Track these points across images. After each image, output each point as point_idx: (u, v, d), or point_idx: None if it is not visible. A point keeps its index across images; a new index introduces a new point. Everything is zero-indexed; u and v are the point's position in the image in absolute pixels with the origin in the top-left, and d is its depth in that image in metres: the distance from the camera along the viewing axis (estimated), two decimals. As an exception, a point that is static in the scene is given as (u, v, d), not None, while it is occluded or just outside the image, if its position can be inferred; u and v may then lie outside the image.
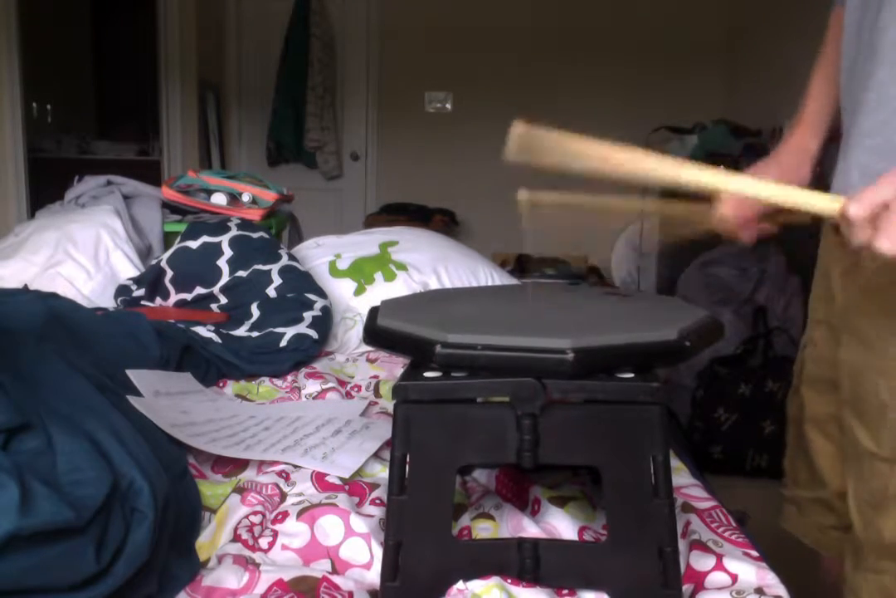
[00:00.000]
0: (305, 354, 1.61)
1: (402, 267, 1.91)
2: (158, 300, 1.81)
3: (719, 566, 0.83)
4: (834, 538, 1.08)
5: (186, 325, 1.57)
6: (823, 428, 1.05)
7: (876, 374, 0.90)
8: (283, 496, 0.98)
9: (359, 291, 1.86)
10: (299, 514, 0.90)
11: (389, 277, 1.88)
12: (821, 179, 1.12)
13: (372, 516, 0.92)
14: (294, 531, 0.89)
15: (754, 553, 0.87)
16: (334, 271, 1.92)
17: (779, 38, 3.77)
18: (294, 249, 2.05)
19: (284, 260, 1.80)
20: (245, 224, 1.89)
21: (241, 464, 1.08)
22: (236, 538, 0.89)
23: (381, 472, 1.07)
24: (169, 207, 2.27)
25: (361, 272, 1.90)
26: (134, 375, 1.25)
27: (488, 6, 4.52)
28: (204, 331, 1.56)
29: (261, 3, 4.63)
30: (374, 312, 0.90)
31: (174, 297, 1.79)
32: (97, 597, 0.71)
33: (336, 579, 0.80)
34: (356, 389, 1.48)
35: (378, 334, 0.84)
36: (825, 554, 1.11)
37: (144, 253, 2.09)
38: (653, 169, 0.77)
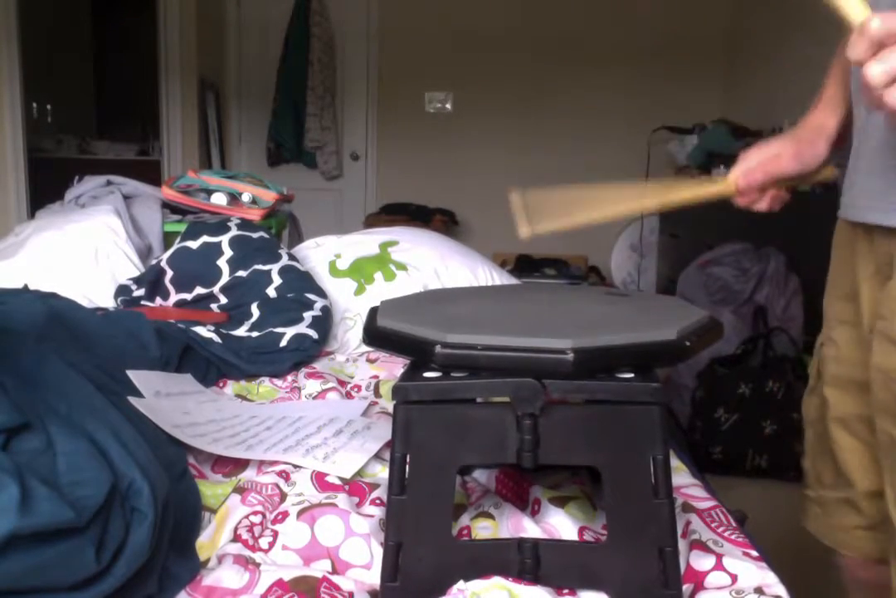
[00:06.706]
0: (305, 354, 1.61)
1: (402, 267, 1.91)
2: (158, 300, 1.81)
3: (719, 566, 0.83)
4: (859, 537, 1.07)
5: (186, 325, 1.57)
6: (850, 427, 1.04)
7: None
8: (283, 496, 0.98)
9: (359, 291, 1.86)
10: (299, 514, 0.90)
11: (389, 277, 1.88)
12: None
13: (372, 516, 0.92)
14: (294, 531, 0.89)
15: (754, 553, 0.87)
16: (334, 271, 1.92)
17: (778, 38, 3.77)
18: (294, 249, 2.05)
19: (284, 260, 1.80)
20: (245, 224, 1.89)
21: (242, 464, 1.08)
22: (236, 537, 0.89)
23: (381, 472, 1.07)
24: (169, 207, 2.27)
25: (361, 272, 1.90)
26: (134, 375, 1.25)
27: (488, 7, 4.52)
28: (204, 331, 1.55)
29: (261, 3, 4.64)
30: (373, 312, 0.90)
31: (174, 297, 1.79)
32: (97, 597, 0.71)
33: (336, 579, 0.80)
34: (356, 389, 1.48)
35: (377, 334, 0.84)
36: (848, 555, 1.11)
37: (144, 253, 2.09)
38: (651, 199, 0.79)
